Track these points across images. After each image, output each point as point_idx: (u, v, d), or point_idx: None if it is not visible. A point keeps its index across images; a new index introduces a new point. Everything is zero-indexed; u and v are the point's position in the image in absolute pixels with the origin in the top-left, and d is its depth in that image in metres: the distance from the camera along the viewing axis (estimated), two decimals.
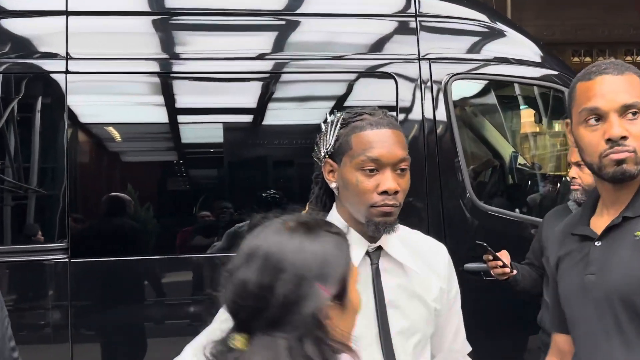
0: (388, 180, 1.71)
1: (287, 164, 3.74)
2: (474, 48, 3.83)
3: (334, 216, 1.82)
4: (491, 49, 3.83)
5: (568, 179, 3.17)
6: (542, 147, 4.92)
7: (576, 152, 2.97)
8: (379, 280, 1.80)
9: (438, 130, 3.63)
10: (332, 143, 1.79)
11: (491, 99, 4.34)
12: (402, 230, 1.83)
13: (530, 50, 3.90)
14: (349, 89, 3.71)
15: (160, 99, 3.59)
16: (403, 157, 1.74)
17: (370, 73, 3.67)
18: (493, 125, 4.55)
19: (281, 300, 1.21)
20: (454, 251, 3.41)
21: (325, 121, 1.85)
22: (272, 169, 3.73)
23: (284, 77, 3.66)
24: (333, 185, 1.81)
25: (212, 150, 3.75)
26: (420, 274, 1.85)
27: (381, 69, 3.64)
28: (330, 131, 1.80)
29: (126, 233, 3.48)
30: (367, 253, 1.81)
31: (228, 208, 3.49)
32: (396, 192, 1.72)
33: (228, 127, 3.68)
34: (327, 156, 1.81)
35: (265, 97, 3.64)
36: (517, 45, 3.90)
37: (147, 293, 3.52)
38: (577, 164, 3.10)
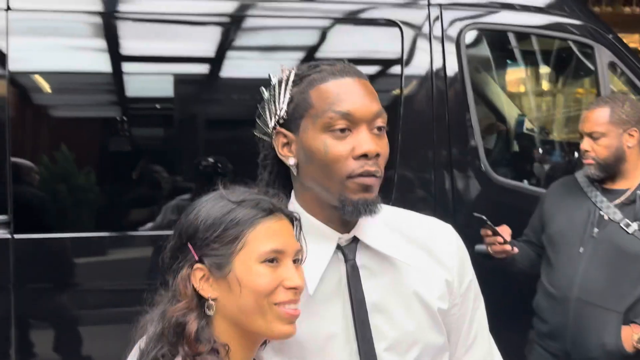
0: (366, 140, 1.38)
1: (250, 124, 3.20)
2: None
3: (294, 207, 1.47)
4: None
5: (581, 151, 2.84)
6: (566, 110, 4.54)
7: (591, 121, 2.76)
8: (356, 281, 1.45)
9: (449, 89, 3.20)
10: (284, 107, 1.45)
11: (511, 52, 3.94)
12: (387, 211, 1.50)
13: None
14: (344, 39, 3.22)
15: (104, 43, 3.07)
16: (379, 110, 1.41)
17: (371, 20, 3.21)
18: (510, 83, 4.16)
19: (168, 253, 1.34)
20: (464, 231, 3.10)
21: (267, 85, 1.50)
22: (232, 130, 3.22)
23: (255, 21, 3.16)
24: (291, 161, 1.45)
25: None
26: (414, 265, 1.50)
27: (384, 16, 3.18)
28: (280, 93, 1.47)
29: (79, 205, 3.01)
30: (339, 248, 1.46)
31: (180, 175, 3.10)
32: (377, 156, 1.39)
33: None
34: (277, 125, 1.47)
35: (231, 46, 3.16)
36: None
37: (103, 275, 3.05)
38: (590, 135, 2.78)
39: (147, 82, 3.23)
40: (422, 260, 1.52)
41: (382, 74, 3.32)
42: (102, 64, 3.05)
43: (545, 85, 4.43)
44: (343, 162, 1.39)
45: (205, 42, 3.14)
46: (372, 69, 3.28)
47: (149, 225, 3.05)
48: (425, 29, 3.17)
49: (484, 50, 3.75)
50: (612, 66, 3.45)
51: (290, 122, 1.45)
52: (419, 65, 3.19)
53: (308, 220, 1.44)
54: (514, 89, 4.23)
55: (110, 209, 3.07)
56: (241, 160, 2.86)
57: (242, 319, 1.29)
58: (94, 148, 3.14)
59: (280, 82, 1.48)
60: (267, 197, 1.35)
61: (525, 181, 3.63)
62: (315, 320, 1.42)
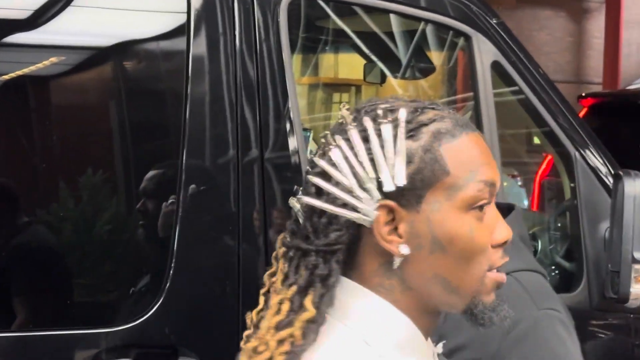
0: (503, 222, 1.60)
1: None
2: None
3: (382, 310, 1.57)
4: None
5: None
6: None
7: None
8: None
9: (260, 75, 3.13)
10: (403, 171, 1.54)
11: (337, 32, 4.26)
12: None
13: None
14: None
15: None
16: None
17: None
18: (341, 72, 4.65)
19: None
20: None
21: (338, 131, 1.61)
22: None
23: None
24: (404, 250, 1.55)
25: None
26: None
27: None
28: (386, 147, 1.54)
29: None
30: None
31: None
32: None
33: None
34: (383, 197, 1.56)
35: None
36: None
37: None
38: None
39: None
40: None
41: (163, 49, 3.27)
42: None
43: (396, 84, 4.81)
44: (487, 252, 1.57)
45: None
46: (150, 43, 3.25)
47: None
48: None
49: (307, 26, 3.93)
50: (497, 68, 3.60)
51: (405, 192, 1.54)
52: (214, 41, 3.11)
53: (410, 329, 1.56)
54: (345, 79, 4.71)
55: None
56: None
57: None
58: None
59: (378, 130, 1.54)
60: None
61: None
62: None
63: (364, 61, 4.78)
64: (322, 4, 3.54)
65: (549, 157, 4.09)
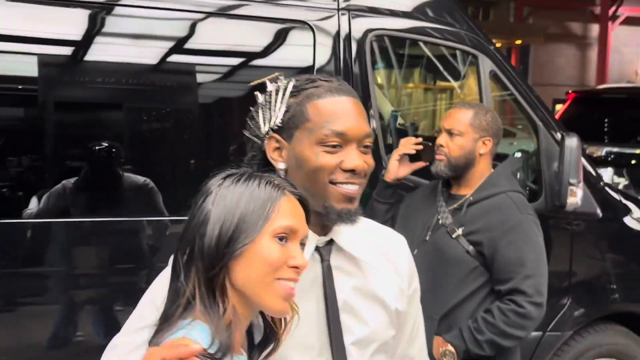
0: (355, 157, 1.91)
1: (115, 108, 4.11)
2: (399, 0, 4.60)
3: None
4: (412, 3, 4.70)
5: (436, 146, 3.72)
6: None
7: (452, 119, 3.64)
8: (330, 280, 2.01)
9: (353, 86, 4.05)
10: (280, 115, 1.94)
11: (412, 59, 5.15)
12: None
13: (448, 9, 4.84)
14: (256, 37, 4.28)
15: None
16: (369, 132, 1.97)
17: (284, 21, 4.27)
18: (406, 86, 5.42)
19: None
20: None
21: (262, 89, 2.03)
22: (99, 114, 4.13)
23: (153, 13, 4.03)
24: (281, 166, 1.94)
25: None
26: (379, 270, 2.09)
27: (298, 17, 4.24)
28: (277, 101, 1.95)
29: None
30: (317, 249, 2.02)
31: (40, 161, 3.84)
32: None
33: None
34: (272, 131, 1.97)
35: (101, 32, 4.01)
36: (440, 5, 4.82)
37: None
38: (449, 131, 3.63)
39: (12, 64, 3.96)
40: (382, 264, 2.09)
41: (294, 71, 4.31)
42: None
43: (436, 90, 5.87)
44: (329, 170, 1.87)
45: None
46: (285, 67, 4.28)
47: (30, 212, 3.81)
48: (336, 34, 4.25)
49: (386, 55, 4.90)
50: (494, 76, 4.74)
51: (284, 130, 1.91)
52: (329, 68, 4.19)
53: None
54: (408, 91, 5.55)
55: None
56: (121, 143, 3.99)
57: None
58: None
59: (277, 91, 1.93)
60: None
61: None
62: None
63: (420, 71, 5.44)
64: (395, 39, 4.71)
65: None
